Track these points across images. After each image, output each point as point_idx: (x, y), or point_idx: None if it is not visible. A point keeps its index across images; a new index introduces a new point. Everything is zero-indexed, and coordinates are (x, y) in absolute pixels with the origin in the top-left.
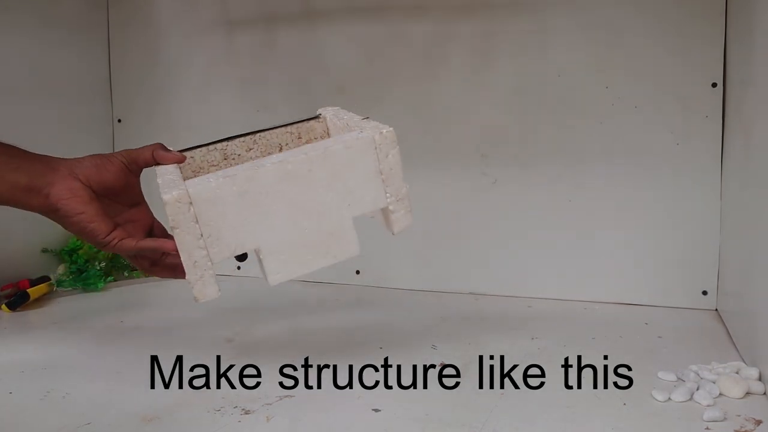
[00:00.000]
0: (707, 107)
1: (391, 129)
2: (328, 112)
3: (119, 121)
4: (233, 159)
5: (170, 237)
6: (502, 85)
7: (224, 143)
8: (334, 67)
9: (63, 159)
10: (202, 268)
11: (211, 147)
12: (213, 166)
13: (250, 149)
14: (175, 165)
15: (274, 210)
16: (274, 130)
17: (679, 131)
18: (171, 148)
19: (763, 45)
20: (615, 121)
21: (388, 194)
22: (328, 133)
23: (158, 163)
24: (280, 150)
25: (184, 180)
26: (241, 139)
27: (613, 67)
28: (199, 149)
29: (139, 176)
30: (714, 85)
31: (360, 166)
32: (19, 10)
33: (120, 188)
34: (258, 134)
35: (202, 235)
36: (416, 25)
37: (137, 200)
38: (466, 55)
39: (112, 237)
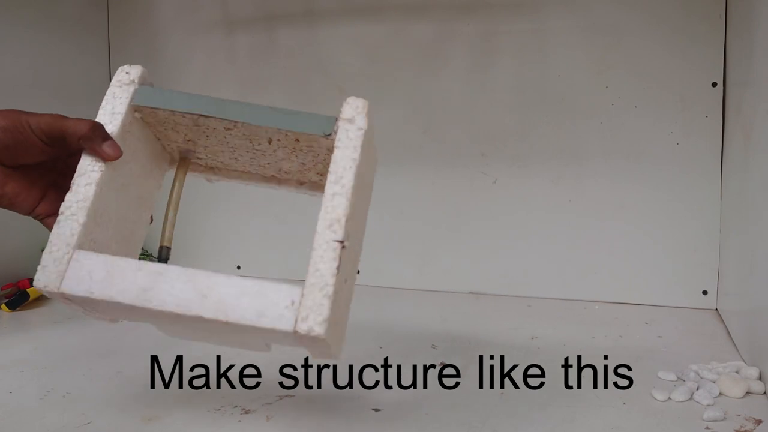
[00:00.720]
0: (707, 107)
1: (321, 334)
2: (341, 137)
3: None
4: (205, 129)
5: None
6: (502, 85)
7: (197, 116)
8: (334, 67)
9: None
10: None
11: (177, 113)
12: (179, 125)
13: (229, 129)
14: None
15: (165, 320)
16: (268, 128)
17: (679, 131)
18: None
19: (763, 45)
20: (615, 121)
21: (307, 346)
22: (330, 153)
23: None
24: (270, 143)
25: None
26: (219, 119)
27: (613, 67)
28: (163, 111)
29: (62, 148)
30: (714, 84)
31: (271, 338)
32: (19, 9)
33: (46, 162)
34: (241, 124)
35: (77, 306)
36: (416, 25)
37: (74, 152)
38: (466, 55)
39: (36, 214)
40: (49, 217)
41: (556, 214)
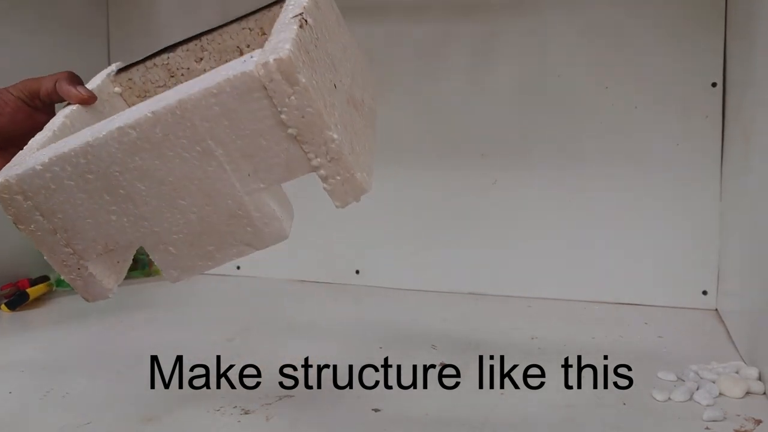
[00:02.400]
0: (707, 107)
1: (285, 55)
2: None
3: None
4: (182, 75)
5: None
6: (502, 85)
7: (165, 55)
8: None
9: None
10: (74, 267)
11: (149, 63)
12: (159, 87)
13: (200, 59)
14: (83, 106)
15: (137, 192)
16: (227, 28)
17: (679, 131)
18: (87, 85)
19: (763, 45)
20: (615, 121)
21: (308, 152)
22: None
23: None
24: (241, 53)
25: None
26: (185, 47)
27: (613, 67)
28: (136, 67)
29: (49, 112)
30: (714, 85)
31: (247, 121)
32: (19, 10)
33: (24, 131)
34: (205, 37)
35: (56, 231)
36: (416, 25)
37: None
38: (466, 55)
39: None
40: None
41: (556, 214)
